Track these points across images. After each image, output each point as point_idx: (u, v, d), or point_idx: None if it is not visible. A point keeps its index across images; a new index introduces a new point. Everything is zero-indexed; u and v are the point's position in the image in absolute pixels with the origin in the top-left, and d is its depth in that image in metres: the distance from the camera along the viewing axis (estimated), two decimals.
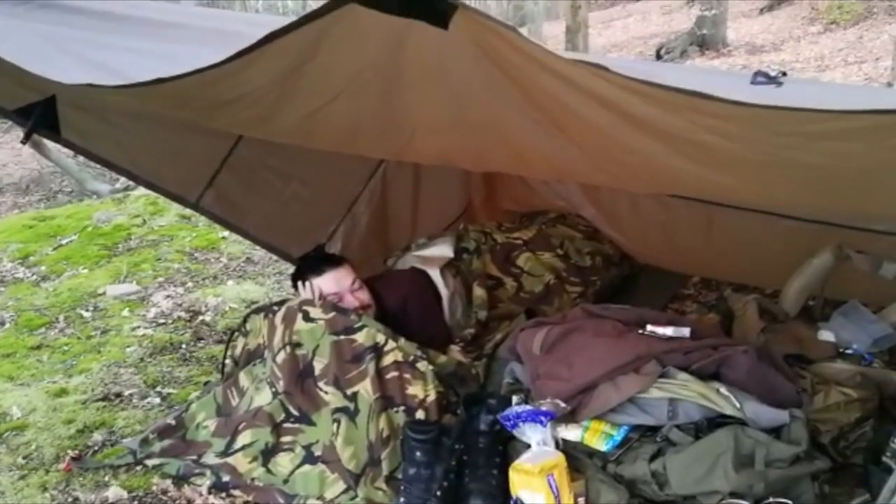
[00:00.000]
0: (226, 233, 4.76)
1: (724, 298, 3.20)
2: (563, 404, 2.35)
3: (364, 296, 2.96)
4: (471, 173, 4.02)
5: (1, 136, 11.99)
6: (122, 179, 8.11)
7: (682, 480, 2.21)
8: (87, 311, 3.93)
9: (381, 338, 2.68)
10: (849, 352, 2.71)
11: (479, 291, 3.26)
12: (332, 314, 2.73)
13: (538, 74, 1.36)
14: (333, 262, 3.03)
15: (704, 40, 12.53)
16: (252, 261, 4.50)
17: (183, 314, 3.85)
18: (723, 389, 2.34)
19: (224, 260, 4.53)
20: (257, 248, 4.59)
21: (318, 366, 2.68)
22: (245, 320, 2.97)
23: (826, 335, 2.78)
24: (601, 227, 3.84)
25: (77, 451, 2.76)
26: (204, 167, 3.20)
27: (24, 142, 2.87)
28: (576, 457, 2.35)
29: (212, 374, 3.30)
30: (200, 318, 3.83)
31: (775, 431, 2.29)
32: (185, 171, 3.19)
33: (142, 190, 5.57)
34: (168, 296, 4.06)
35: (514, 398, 2.42)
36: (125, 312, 3.90)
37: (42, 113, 2.77)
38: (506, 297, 3.36)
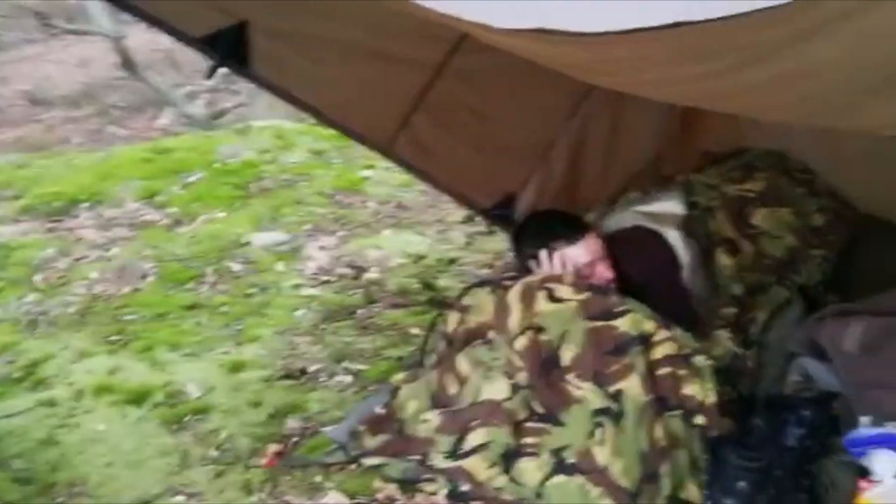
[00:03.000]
0: (368, 172, 4.29)
1: None
2: None
3: (608, 267, 2.48)
4: (672, 114, 3.43)
5: (44, 47, 11.38)
6: (219, 105, 7.70)
7: None
8: (235, 263, 3.52)
9: (649, 325, 2.21)
10: None
11: (725, 260, 2.73)
12: (585, 294, 2.27)
13: None
14: (584, 226, 2.55)
15: None
16: (404, 206, 4.03)
17: (346, 270, 3.42)
18: None
19: (372, 204, 4.06)
20: (406, 190, 4.13)
21: (567, 355, 2.23)
22: (464, 293, 2.52)
23: None
24: (824, 171, 3.23)
25: (280, 445, 2.38)
26: (398, 105, 2.71)
27: (208, 77, 2.41)
28: None
29: (399, 347, 2.89)
30: (366, 275, 3.39)
31: None
32: (378, 110, 2.70)
33: (262, 122, 5.09)
34: (322, 247, 3.62)
35: (863, 418, 1.94)
36: (279, 266, 3.47)
37: (231, 42, 2.31)
38: (745, 264, 2.84)
